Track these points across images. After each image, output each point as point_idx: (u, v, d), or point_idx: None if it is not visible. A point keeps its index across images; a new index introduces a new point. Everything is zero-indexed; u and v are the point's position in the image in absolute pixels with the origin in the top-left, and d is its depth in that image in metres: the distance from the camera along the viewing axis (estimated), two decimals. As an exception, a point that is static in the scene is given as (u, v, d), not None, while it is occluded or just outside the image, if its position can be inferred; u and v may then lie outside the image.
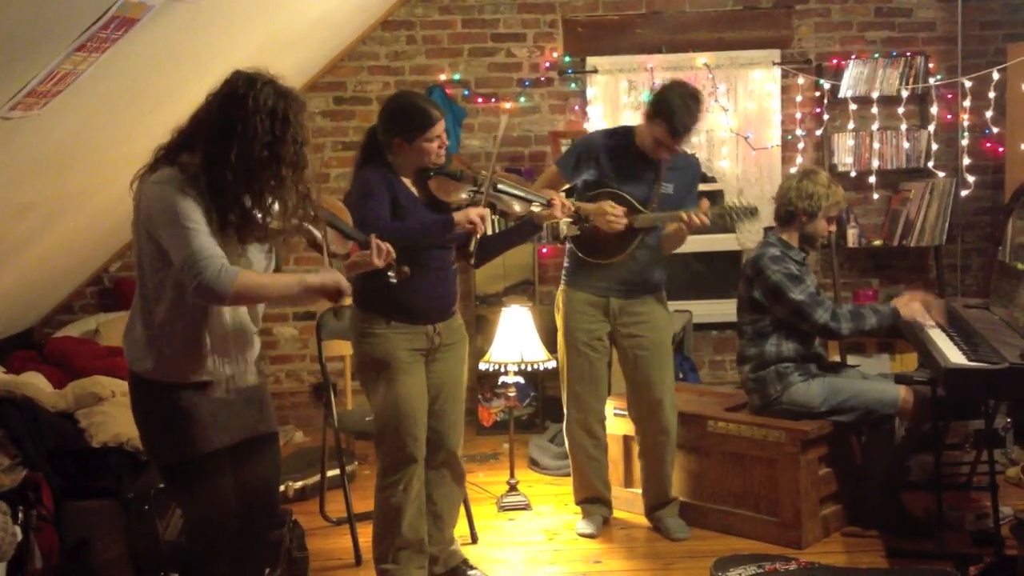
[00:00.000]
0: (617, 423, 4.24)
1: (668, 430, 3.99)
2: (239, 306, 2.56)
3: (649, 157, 3.86)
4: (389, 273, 2.90)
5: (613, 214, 3.76)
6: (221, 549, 2.66)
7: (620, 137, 3.97)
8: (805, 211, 3.95)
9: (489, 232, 3.49)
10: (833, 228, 4.05)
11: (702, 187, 5.94)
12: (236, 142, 2.40)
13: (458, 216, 3.30)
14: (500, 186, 3.45)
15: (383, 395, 3.37)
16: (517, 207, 3.50)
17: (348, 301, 2.69)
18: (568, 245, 4.02)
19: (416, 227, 3.30)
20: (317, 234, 2.68)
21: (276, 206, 2.52)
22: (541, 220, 3.53)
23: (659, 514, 4.09)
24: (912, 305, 3.88)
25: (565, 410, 4.10)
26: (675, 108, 3.70)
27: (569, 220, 3.67)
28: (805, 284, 3.91)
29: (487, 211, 3.36)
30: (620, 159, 3.89)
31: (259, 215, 2.49)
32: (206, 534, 2.66)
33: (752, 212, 3.81)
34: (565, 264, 4.06)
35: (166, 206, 2.42)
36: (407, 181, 3.39)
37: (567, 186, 4.03)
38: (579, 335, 3.98)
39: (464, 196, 3.40)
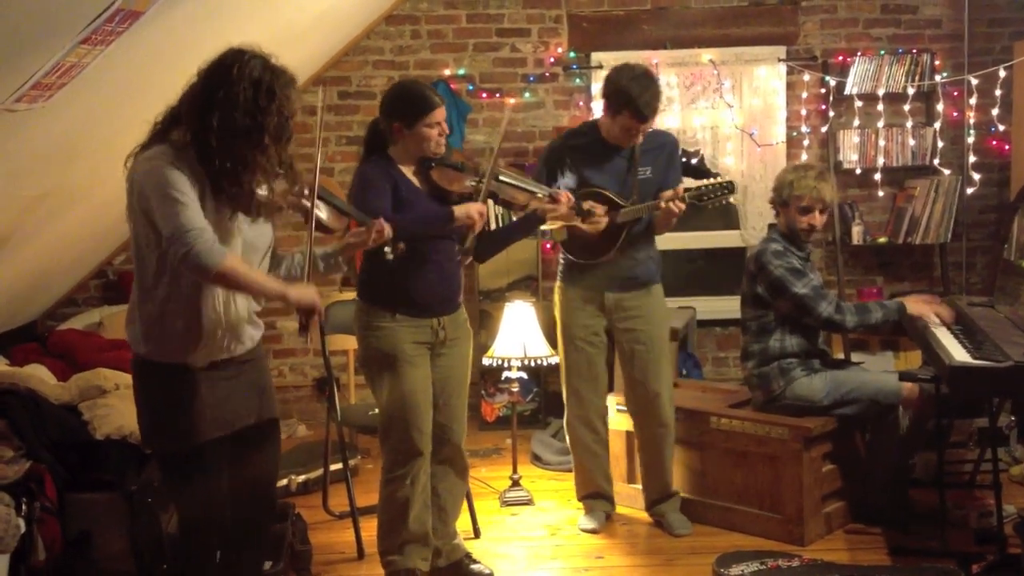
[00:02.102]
0: (620, 419, 4.23)
1: (666, 423, 3.99)
2: (218, 286, 2.54)
3: (619, 146, 3.83)
4: (386, 249, 2.93)
5: (596, 214, 3.74)
6: (214, 539, 2.66)
7: (584, 134, 3.94)
8: (775, 200, 4.00)
9: (492, 226, 3.48)
10: (814, 221, 3.93)
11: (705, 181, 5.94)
12: (218, 108, 2.45)
13: (458, 211, 3.29)
14: (502, 177, 3.45)
15: (389, 388, 3.36)
16: (520, 197, 3.50)
17: (315, 335, 2.72)
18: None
19: (416, 220, 3.28)
20: (310, 208, 2.69)
21: (253, 173, 2.52)
22: (545, 214, 3.52)
23: (660, 508, 4.09)
24: (920, 304, 3.88)
25: (565, 406, 4.10)
26: (633, 93, 3.64)
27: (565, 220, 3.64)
28: (808, 278, 3.90)
29: (485, 208, 3.35)
30: (589, 156, 3.86)
31: (247, 184, 2.49)
32: (200, 524, 2.66)
33: (727, 187, 3.80)
34: (559, 261, 4.07)
35: (156, 179, 2.44)
36: (408, 173, 3.38)
37: None
38: (576, 331, 3.98)
39: (468, 184, 3.40)
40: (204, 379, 2.59)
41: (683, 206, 3.72)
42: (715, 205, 3.87)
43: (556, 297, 4.07)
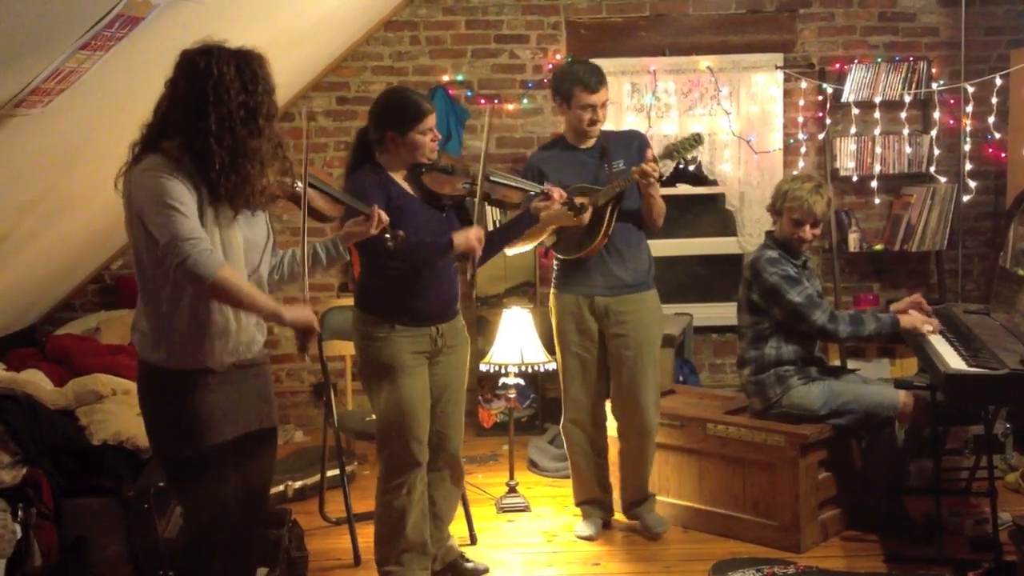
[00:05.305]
0: (614, 426, 4.23)
1: (650, 429, 4.00)
2: (212, 299, 2.53)
3: (589, 148, 3.91)
4: (386, 236, 2.94)
5: (557, 200, 3.67)
6: (221, 544, 2.66)
7: (552, 145, 4.09)
8: (772, 208, 4.02)
9: (489, 228, 3.48)
10: (805, 234, 3.93)
11: (704, 190, 5.95)
12: (212, 111, 2.44)
13: (458, 239, 3.29)
14: (493, 177, 3.47)
15: (387, 398, 3.35)
16: (513, 196, 3.51)
17: (313, 349, 2.69)
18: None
19: (415, 246, 3.25)
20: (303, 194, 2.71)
21: (255, 161, 2.53)
22: (539, 212, 3.51)
23: (638, 510, 4.11)
24: (912, 314, 3.89)
25: (562, 411, 4.11)
26: (575, 70, 3.81)
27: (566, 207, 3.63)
28: (803, 286, 3.91)
29: (483, 233, 3.34)
30: (561, 162, 3.94)
31: (247, 173, 2.50)
32: (207, 529, 2.66)
33: (696, 140, 3.85)
34: (554, 268, 4.08)
35: (153, 188, 2.44)
36: (400, 180, 3.38)
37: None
38: (570, 336, 3.99)
39: (460, 187, 3.40)
40: (214, 384, 2.59)
41: (656, 167, 3.75)
42: (686, 159, 3.87)
43: (551, 303, 4.08)
